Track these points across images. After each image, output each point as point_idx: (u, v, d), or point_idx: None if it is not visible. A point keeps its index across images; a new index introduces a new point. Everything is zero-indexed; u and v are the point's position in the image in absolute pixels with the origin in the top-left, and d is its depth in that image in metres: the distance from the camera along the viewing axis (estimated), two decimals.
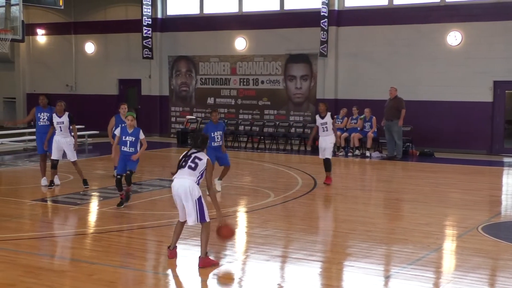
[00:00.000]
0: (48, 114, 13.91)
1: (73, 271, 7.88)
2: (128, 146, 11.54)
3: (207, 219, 8.02)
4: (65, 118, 13.60)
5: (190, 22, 25.88)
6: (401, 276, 7.84)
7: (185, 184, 7.95)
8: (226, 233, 8.20)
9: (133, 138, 11.52)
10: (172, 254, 8.37)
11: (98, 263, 8.15)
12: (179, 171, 8.13)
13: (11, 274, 7.77)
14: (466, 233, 10.08)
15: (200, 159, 8.09)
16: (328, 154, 14.64)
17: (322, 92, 23.29)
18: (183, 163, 8.12)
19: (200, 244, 8.10)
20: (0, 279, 7.62)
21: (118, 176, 11.72)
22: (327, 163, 14.68)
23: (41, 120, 14.06)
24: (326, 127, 14.52)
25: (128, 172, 11.65)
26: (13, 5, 16.81)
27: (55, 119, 13.61)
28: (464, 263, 8.42)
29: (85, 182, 13.80)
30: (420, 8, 21.94)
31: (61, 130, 13.60)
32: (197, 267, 7.99)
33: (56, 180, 13.98)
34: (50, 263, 8.23)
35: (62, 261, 8.31)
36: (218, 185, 13.48)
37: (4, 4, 16.38)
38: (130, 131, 11.51)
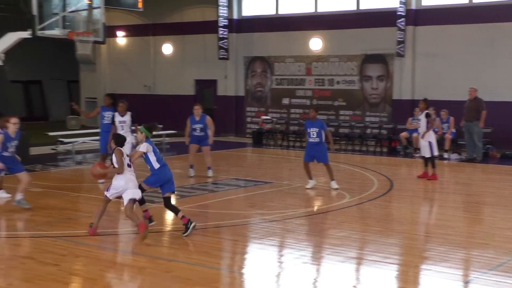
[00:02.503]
0: (112, 114, 14.27)
1: (151, 268, 8.05)
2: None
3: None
4: (127, 117, 13.97)
5: (266, 23, 25.98)
6: (481, 281, 7.65)
7: None
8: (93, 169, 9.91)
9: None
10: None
11: (175, 260, 8.31)
12: None
13: (93, 268, 8.02)
14: None
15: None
16: (424, 152, 15.38)
17: (399, 92, 22.96)
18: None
19: None
20: (82, 273, 7.88)
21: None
22: (425, 160, 15.41)
23: (105, 118, 14.39)
24: (420, 124, 15.51)
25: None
26: (95, 8, 17.30)
27: (118, 118, 13.99)
28: None
29: None
30: (500, 6, 21.31)
31: (122, 129, 13.95)
32: None
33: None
34: (129, 259, 8.43)
35: (140, 258, 8.49)
36: (334, 184, 13.79)
37: (86, 7, 16.87)
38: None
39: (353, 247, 9.26)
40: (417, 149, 20.13)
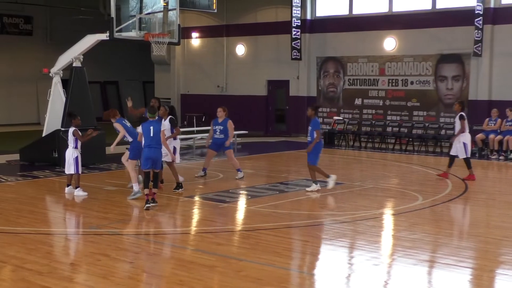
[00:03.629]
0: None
1: (222, 267, 8.13)
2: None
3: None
4: (167, 122, 13.76)
5: (339, 23, 25.83)
6: None
7: None
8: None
9: None
10: None
11: (245, 260, 8.36)
12: None
13: (165, 266, 8.18)
14: None
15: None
16: (459, 154, 15.17)
17: (475, 93, 22.42)
18: None
19: None
20: (154, 271, 8.04)
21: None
22: (450, 160, 15.31)
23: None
24: (454, 126, 15.42)
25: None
26: (170, 10, 17.58)
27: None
28: None
29: (178, 185, 13.59)
30: None
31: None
32: None
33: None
34: (200, 257, 8.54)
35: (211, 257, 8.59)
36: (312, 187, 13.53)
37: (162, 9, 17.15)
38: None
39: (425, 249, 9.11)
40: (494, 151, 19.65)
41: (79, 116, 13.30)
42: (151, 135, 11.65)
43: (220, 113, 15.25)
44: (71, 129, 13.02)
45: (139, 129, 12.07)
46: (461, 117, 15.04)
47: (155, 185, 11.80)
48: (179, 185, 13.48)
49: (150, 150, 11.67)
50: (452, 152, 15.32)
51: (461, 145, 15.04)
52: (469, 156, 15.19)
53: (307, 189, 13.53)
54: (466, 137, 15.11)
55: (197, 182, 14.69)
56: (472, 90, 22.56)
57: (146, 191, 11.62)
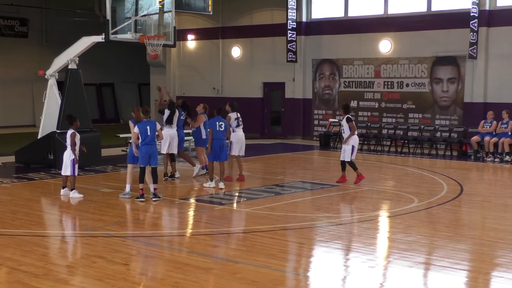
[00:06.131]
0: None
1: (218, 269, 8.13)
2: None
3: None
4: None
5: (335, 25, 25.86)
6: None
7: None
8: None
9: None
10: None
11: (241, 262, 8.36)
12: None
13: (161, 268, 8.18)
14: None
15: None
16: (344, 156, 14.88)
17: (470, 95, 22.47)
18: None
19: None
20: (150, 273, 8.04)
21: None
22: (344, 164, 15.00)
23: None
24: (343, 129, 15.06)
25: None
26: (166, 12, 17.56)
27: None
28: None
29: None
30: None
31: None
32: None
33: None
34: (196, 260, 8.53)
35: (207, 259, 8.58)
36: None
37: (157, 11, 17.12)
38: None
39: (421, 252, 9.11)
40: (489, 153, 19.68)
41: (77, 119, 13.25)
42: (149, 133, 12.37)
43: (198, 109, 15.65)
44: (70, 131, 12.97)
45: (136, 129, 12.52)
46: (348, 119, 14.80)
47: (155, 181, 12.49)
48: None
49: (147, 147, 12.40)
50: (342, 157, 15.01)
51: (350, 147, 14.78)
52: (353, 159, 14.92)
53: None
54: (355, 140, 14.94)
55: (193, 183, 14.69)
56: (467, 92, 22.61)
57: (141, 185, 12.37)
